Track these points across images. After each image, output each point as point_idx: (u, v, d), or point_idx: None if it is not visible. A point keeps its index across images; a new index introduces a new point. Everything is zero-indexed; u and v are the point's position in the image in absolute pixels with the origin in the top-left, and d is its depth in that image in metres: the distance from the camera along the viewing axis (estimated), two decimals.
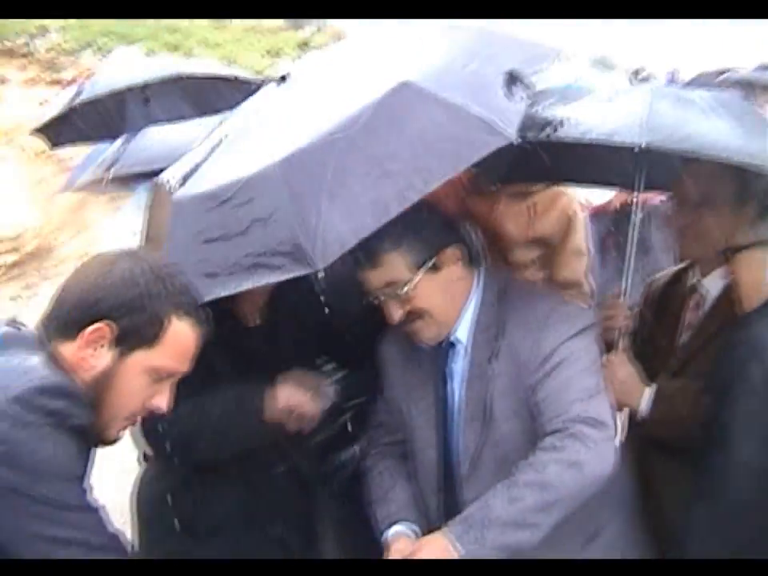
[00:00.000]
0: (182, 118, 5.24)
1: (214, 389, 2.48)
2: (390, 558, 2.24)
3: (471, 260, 2.31)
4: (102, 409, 1.79)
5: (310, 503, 2.77)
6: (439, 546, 2.09)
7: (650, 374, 2.49)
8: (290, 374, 2.50)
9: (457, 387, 2.31)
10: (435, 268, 2.21)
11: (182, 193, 2.25)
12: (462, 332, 2.29)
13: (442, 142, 2.03)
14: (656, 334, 2.61)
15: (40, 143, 5.92)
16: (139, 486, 2.78)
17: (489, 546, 2.05)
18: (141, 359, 1.80)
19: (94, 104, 5.22)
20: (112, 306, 1.78)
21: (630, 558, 2.35)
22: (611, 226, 4.32)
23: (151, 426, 2.41)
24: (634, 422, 2.52)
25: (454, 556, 2.06)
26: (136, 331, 1.78)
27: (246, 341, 2.57)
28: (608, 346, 2.38)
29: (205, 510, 2.57)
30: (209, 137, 2.50)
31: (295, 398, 2.46)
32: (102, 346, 1.78)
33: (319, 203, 1.95)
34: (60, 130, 5.49)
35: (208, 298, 2.02)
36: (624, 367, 2.43)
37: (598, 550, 2.31)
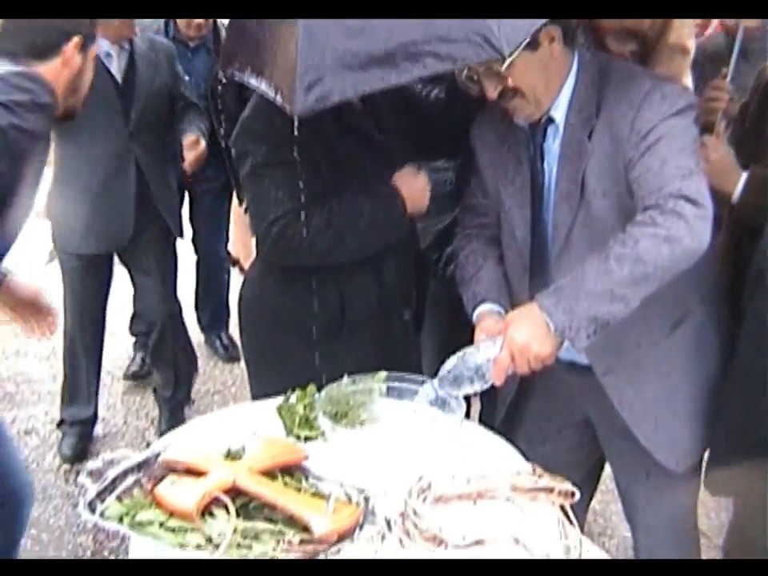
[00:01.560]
0: None
1: (341, 179, 2.53)
2: (478, 336, 2.30)
3: (570, 40, 2.27)
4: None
5: (426, 288, 2.88)
6: (530, 318, 2.14)
7: (746, 162, 2.47)
8: (404, 170, 2.60)
9: (551, 165, 2.31)
10: (533, 45, 2.17)
11: None
12: (560, 110, 2.27)
13: None
14: (759, 122, 2.57)
15: None
16: (259, 300, 2.78)
17: (579, 318, 2.08)
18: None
19: None
20: None
21: (718, 346, 2.42)
22: None
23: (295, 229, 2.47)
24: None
25: (547, 327, 2.11)
26: None
27: (360, 123, 2.59)
28: (708, 129, 2.36)
29: (348, 306, 2.64)
30: None
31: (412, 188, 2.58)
32: None
33: None
34: None
35: (374, 87, 2.02)
36: (720, 150, 2.42)
37: (685, 335, 2.37)
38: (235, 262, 6.38)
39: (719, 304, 2.47)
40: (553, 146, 2.31)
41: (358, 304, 2.63)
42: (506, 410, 2.59)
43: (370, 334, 2.65)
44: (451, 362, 2.20)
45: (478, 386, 2.20)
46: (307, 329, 2.58)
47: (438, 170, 2.98)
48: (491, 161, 2.45)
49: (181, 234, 4.34)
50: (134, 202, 3.94)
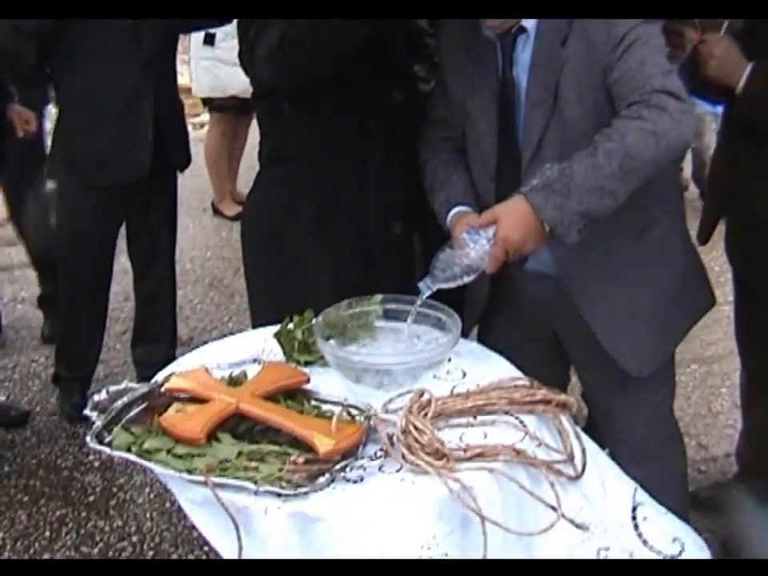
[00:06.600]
0: None
1: None
2: (456, 235, 2.27)
3: None
4: None
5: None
6: (522, 215, 2.13)
7: (751, 54, 2.50)
8: None
9: (522, 74, 2.31)
10: None
11: None
12: (532, 19, 2.26)
13: None
14: None
15: None
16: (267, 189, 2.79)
17: (570, 214, 2.09)
18: None
19: None
20: None
21: (679, 256, 2.49)
22: None
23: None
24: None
25: (540, 224, 2.12)
26: None
27: None
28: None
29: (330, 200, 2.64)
30: None
31: None
32: None
33: None
34: None
35: None
36: (723, 44, 2.47)
37: (650, 243, 2.41)
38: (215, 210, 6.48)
39: (680, 215, 2.55)
40: (523, 55, 2.30)
41: (336, 207, 2.64)
42: (477, 324, 2.63)
43: (352, 241, 2.66)
44: (441, 261, 2.20)
45: (468, 279, 2.21)
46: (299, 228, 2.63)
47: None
48: (457, 72, 2.44)
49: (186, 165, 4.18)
50: (152, 132, 3.75)
